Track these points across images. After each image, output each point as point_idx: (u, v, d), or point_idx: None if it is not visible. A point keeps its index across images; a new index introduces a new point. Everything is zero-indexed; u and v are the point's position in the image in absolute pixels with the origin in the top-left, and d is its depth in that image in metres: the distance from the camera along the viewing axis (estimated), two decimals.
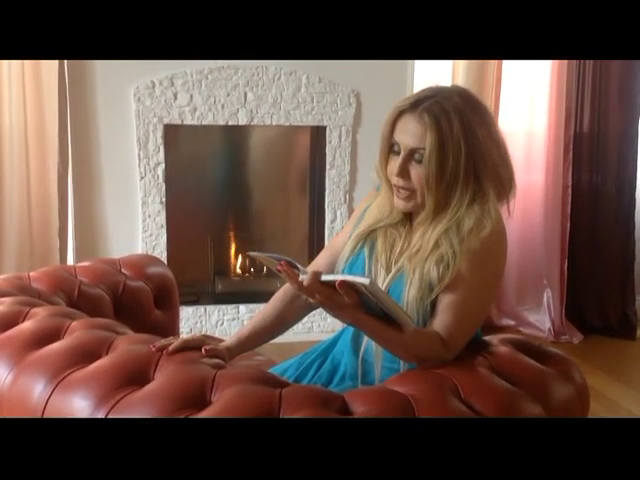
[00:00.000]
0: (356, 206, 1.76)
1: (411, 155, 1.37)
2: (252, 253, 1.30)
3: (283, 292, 1.58)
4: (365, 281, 1.11)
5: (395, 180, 1.39)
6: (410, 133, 1.36)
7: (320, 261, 1.59)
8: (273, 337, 1.57)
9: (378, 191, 1.52)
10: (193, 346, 1.33)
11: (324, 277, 1.16)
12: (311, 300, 1.19)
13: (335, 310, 1.19)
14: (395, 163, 1.39)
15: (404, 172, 1.37)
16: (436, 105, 1.34)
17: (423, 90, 1.40)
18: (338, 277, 1.15)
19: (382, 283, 1.40)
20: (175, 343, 1.30)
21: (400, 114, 1.38)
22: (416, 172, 1.37)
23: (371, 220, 1.50)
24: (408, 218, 1.47)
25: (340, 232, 1.64)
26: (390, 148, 1.41)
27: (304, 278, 1.16)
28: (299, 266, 1.19)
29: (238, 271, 3.81)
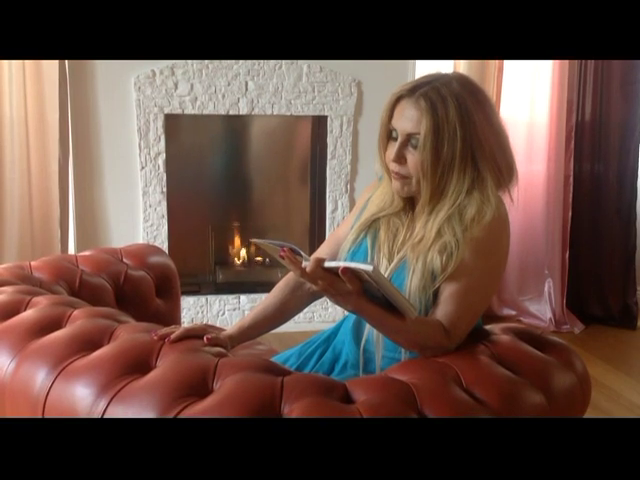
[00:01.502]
0: (357, 196, 1.75)
1: (408, 140, 1.36)
2: (254, 240, 1.30)
3: (285, 282, 1.58)
4: (368, 268, 1.11)
5: (392, 166, 1.39)
6: (407, 118, 1.35)
7: (322, 251, 1.58)
8: (275, 326, 1.57)
9: (380, 181, 1.52)
10: (195, 335, 1.33)
11: (327, 264, 1.15)
12: (313, 287, 1.18)
13: (337, 297, 1.19)
14: (393, 149, 1.38)
15: (400, 157, 1.37)
16: (433, 91, 1.33)
17: (423, 76, 1.39)
18: (341, 264, 1.14)
19: (385, 272, 1.39)
20: (177, 331, 1.30)
21: (398, 99, 1.37)
22: (412, 157, 1.36)
23: (373, 209, 1.49)
24: (410, 207, 1.46)
25: (342, 223, 1.64)
26: (389, 134, 1.40)
27: (307, 264, 1.16)
28: (302, 253, 1.18)
29: (239, 261, 3.82)
